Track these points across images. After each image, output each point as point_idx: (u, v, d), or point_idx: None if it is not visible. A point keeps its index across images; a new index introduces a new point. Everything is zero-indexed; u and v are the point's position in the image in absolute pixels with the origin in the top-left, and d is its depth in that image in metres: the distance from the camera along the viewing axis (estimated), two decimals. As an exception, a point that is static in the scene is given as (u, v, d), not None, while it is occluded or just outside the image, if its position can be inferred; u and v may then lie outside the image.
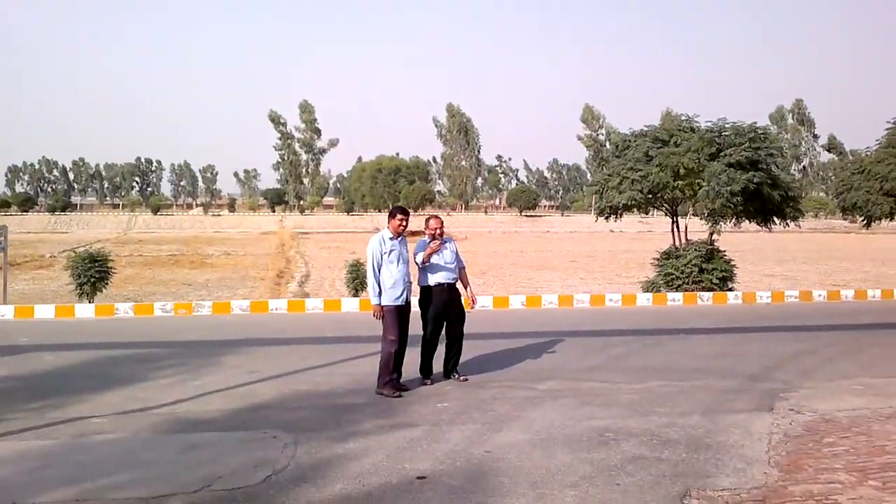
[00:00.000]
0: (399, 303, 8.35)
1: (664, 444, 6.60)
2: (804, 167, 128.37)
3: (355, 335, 12.39)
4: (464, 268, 9.16)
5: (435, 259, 8.72)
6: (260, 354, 10.98)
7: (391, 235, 8.42)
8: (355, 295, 16.42)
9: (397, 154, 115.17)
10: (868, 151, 22.05)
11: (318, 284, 29.54)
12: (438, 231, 8.81)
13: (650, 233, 60.08)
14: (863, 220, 21.45)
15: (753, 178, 16.43)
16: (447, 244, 8.93)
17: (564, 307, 15.99)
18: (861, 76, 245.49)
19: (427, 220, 9.05)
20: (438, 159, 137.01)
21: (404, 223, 8.44)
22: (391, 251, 8.35)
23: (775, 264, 28.92)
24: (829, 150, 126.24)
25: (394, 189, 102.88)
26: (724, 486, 5.61)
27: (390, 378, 8.27)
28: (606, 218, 18.66)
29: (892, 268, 26.16)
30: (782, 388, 8.70)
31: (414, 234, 8.81)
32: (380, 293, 8.29)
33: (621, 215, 18.40)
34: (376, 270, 8.31)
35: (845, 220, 79.14)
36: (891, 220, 21.30)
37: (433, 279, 8.73)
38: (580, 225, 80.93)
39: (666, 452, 6.36)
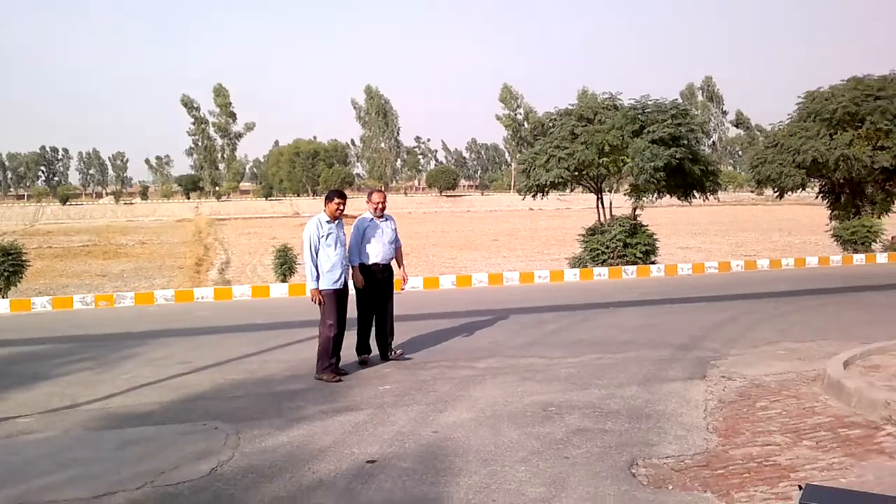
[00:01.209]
0: (337, 286, 8.25)
1: (606, 415, 6.71)
2: (713, 142, 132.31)
3: (287, 321, 12.22)
4: (400, 247, 9.12)
5: (376, 238, 8.66)
6: (189, 344, 10.70)
7: (328, 219, 8.29)
8: (284, 280, 16.15)
9: (315, 137, 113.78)
10: (780, 125, 22.85)
11: (240, 271, 28.96)
12: (381, 205, 8.74)
13: (568, 210, 61.06)
14: (775, 192, 22.26)
15: (676, 154, 16.83)
16: (388, 222, 8.87)
17: (494, 285, 16.10)
18: (763, 53, 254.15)
19: (370, 195, 8.98)
20: (357, 142, 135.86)
21: (342, 206, 8.32)
22: (329, 234, 8.22)
23: (689, 237, 29.79)
24: (736, 126, 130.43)
25: (312, 173, 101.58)
26: (669, 453, 5.74)
27: (330, 363, 8.17)
28: (534, 196, 18.83)
29: (797, 237, 27.28)
30: (712, 357, 8.96)
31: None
32: (317, 277, 8.16)
33: (547, 193, 18.61)
34: (314, 254, 8.17)
35: (752, 192, 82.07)
36: (802, 190, 22.15)
37: (373, 257, 8.66)
38: (500, 204, 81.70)
39: (609, 423, 6.47)
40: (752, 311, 12.35)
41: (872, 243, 21.16)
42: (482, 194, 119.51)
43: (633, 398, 7.25)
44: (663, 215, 50.28)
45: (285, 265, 16.32)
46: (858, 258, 19.59)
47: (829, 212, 22.95)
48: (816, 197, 24.08)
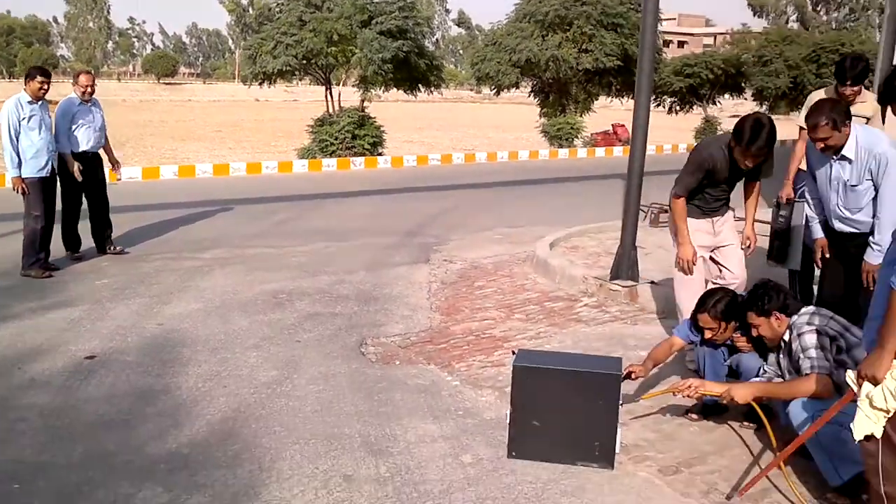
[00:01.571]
0: (44, 174, 7.46)
1: (336, 300, 6.87)
2: (437, 40, 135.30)
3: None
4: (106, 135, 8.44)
5: (86, 123, 7.92)
6: None
7: (30, 99, 7.38)
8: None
9: (9, 12, 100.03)
10: (499, 25, 23.86)
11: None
12: (90, 88, 7.95)
13: (296, 102, 59.77)
14: (493, 90, 23.42)
15: (403, 47, 17.00)
16: (96, 107, 8.14)
17: (220, 176, 15.54)
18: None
19: (77, 76, 8.13)
20: (61, 20, 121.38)
21: (45, 86, 7.42)
22: (31, 117, 7.34)
23: (415, 132, 30.62)
24: (458, 25, 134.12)
25: (7, 52, 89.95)
26: (396, 332, 6.04)
27: (38, 258, 7.47)
28: (260, 84, 18.18)
29: (512, 133, 29.11)
30: (435, 242, 9.44)
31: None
32: (19, 164, 7.32)
33: (274, 82, 18.05)
34: (13, 139, 7.28)
35: (472, 90, 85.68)
36: (517, 89, 23.51)
37: (83, 144, 7.93)
38: (223, 93, 77.85)
39: (339, 307, 6.63)
40: (472, 200, 13.11)
41: (575, 139, 23.16)
42: (204, 83, 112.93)
43: (362, 283, 7.47)
44: (390, 109, 50.99)
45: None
46: (563, 152, 21.40)
47: (539, 109, 24.64)
48: (529, 95, 25.69)
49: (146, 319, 6.20)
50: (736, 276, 5.14)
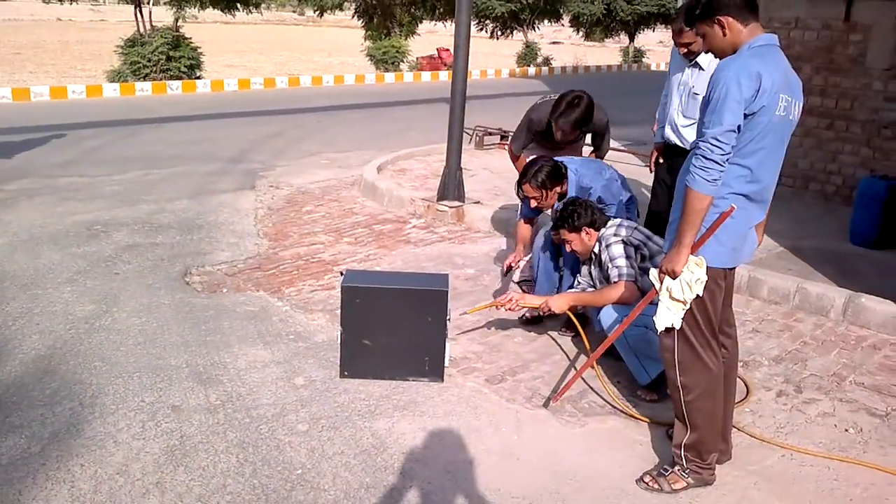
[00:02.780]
0: None
1: (157, 229, 6.58)
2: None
3: None
4: None
5: None
6: None
7: None
8: None
9: None
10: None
11: None
12: None
13: (104, 22, 55.27)
14: (315, 12, 22.71)
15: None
16: None
17: (21, 101, 14.22)
18: None
19: None
20: None
21: None
22: None
23: (234, 55, 29.27)
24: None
25: None
26: (222, 260, 5.88)
27: None
28: (61, 0, 16.65)
29: (337, 58, 28.49)
30: (260, 168, 9.20)
31: None
32: None
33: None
34: None
35: (294, 12, 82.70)
36: (341, 10, 22.92)
37: None
38: (21, 12, 70.89)
39: (160, 237, 6.36)
40: (298, 125, 12.80)
41: (400, 63, 23.02)
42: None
43: (185, 211, 7.19)
44: (208, 30, 48.41)
45: None
46: (389, 76, 21.24)
47: (364, 32, 24.20)
48: (353, 17, 25.13)
49: (-59, 258, 5.69)
50: None
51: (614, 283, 3.85)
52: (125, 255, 5.90)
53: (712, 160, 2.70)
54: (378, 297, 3.89)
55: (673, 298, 2.93)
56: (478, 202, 7.02)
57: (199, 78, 17.19)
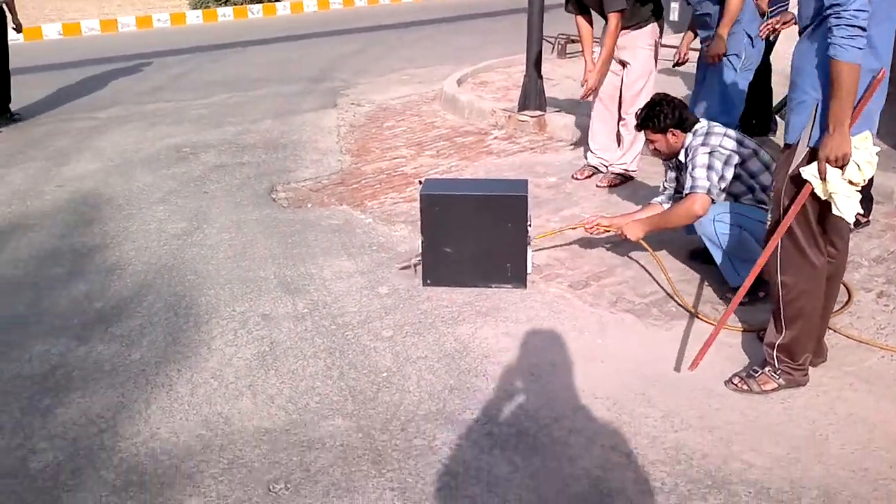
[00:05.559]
0: None
1: (242, 149, 6.69)
2: None
3: None
4: None
5: None
6: None
7: None
8: None
9: None
10: None
11: None
12: None
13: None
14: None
15: None
16: None
17: (108, 32, 14.56)
18: None
19: None
20: None
21: None
22: None
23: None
24: None
25: None
26: (306, 177, 5.95)
27: None
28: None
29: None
30: (341, 87, 9.19)
31: None
32: None
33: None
34: None
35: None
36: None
37: None
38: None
39: (246, 157, 6.47)
40: (378, 42, 12.69)
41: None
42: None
43: (269, 131, 7.28)
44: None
45: None
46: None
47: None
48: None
49: (44, 183, 5.95)
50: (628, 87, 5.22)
51: (685, 195, 3.70)
52: (213, 174, 6.04)
53: (858, 26, 2.48)
54: (457, 204, 3.87)
55: (852, 183, 2.72)
56: (559, 111, 6.84)
57: (279, 1, 17.16)
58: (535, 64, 6.70)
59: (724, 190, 3.69)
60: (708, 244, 3.67)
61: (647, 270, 4.11)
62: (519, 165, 5.94)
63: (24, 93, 8.76)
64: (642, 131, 3.93)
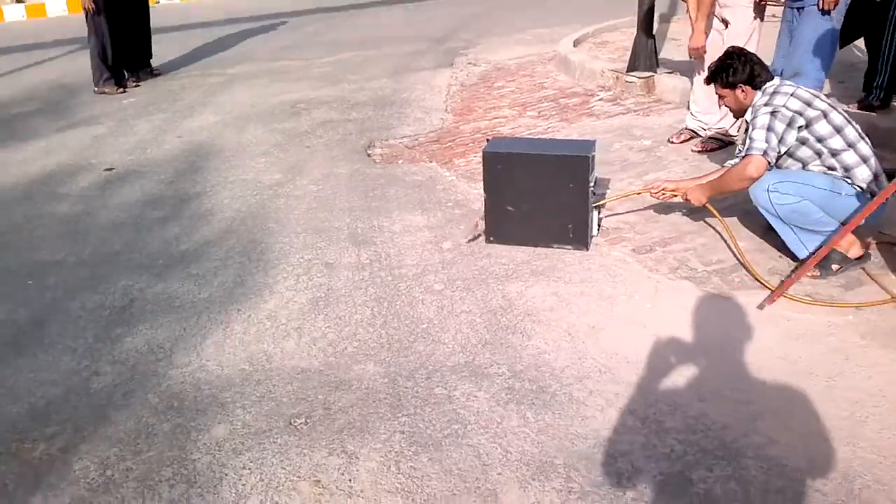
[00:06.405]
0: None
1: (353, 106, 6.90)
2: None
3: (25, 44, 11.09)
4: None
5: None
6: None
7: None
8: (19, 1, 14.45)
9: None
10: None
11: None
12: None
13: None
14: None
15: None
16: None
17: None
18: None
19: None
20: None
21: None
22: None
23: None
24: None
25: None
26: (405, 133, 6.08)
27: (110, 74, 7.70)
28: None
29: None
30: (463, 46, 9.24)
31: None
32: None
33: None
34: None
35: None
36: None
37: None
38: None
39: (354, 113, 6.68)
40: (509, 2, 12.59)
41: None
42: None
43: (382, 89, 7.45)
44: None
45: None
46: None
47: None
48: None
49: (166, 133, 6.39)
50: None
51: (740, 157, 3.52)
52: (319, 129, 6.28)
53: None
54: (518, 162, 3.87)
55: None
56: (672, 72, 6.60)
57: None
58: (645, 22, 6.48)
59: (786, 153, 3.48)
60: (766, 215, 3.49)
61: (722, 238, 3.96)
62: (616, 128, 5.81)
63: (169, 49, 9.39)
64: (712, 84, 3.77)
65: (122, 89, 7.75)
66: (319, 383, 2.97)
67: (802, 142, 3.44)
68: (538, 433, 2.64)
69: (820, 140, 3.42)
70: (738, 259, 3.71)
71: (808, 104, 3.46)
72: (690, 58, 5.27)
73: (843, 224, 3.36)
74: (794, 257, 3.61)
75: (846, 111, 3.67)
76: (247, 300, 3.62)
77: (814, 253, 3.48)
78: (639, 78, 6.54)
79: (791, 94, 3.48)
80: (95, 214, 4.80)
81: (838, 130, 3.41)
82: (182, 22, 11.84)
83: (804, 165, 3.48)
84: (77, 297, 3.76)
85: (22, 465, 2.63)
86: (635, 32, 6.67)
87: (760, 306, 3.28)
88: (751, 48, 4.77)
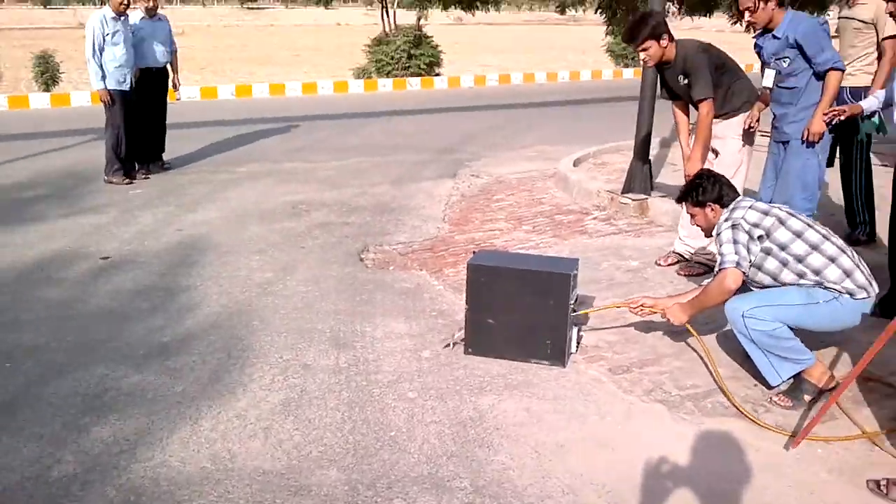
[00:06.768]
0: (125, 87, 7.85)
1: (352, 210, 7.05)
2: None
3: (45, 130, 11.45)
4: (176, 51, 8.68)
5: (147, 36, 8.17)
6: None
7: (113, 14, 7.70)
8: (46, 90, 14.98)
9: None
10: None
11: (12, 86, 26.40)
12: (152, 2, 8.18)
13: (376, 25, 59.49)
14: (557, 7, 22.81)
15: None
16: (160, 21, 8.36)
17: (276, 96, 15.79)
18: None
19: None
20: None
21: (126, 0, 7.72)
22: (115, 32, 7.69)
23: (491, 55, 30.17)
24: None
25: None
26: (401, 240, 6.19)
27: (120, 166, 7.94)
28: (325, 5, 18.27)
29: (591, 56, 28.37)
30: (469, 159, 9.48)
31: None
32: (103, 77, 7.70)
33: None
34: (97, 52, 7.65)
35: (557, 12, 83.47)
36: (581, 6, 22.77)
37: (144, 61, 8.18)
38: (306, 18, 78.06)
39: (352, 217, 6.82)
40: (521, 119, 13.00)
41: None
42: (286, 7, 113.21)
43: (383, 195, 7.63)
44: (464, 33, 50.36)
45: (46, 73, 15.08)
46: (628, 72, 20.82)
47: (606, 27, 23.83)
48: (595, 12, 24.82)
49: (167, 226, 6.52)
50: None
51: (715, 273, 3.58)
52: (316, 231, 6.40)
53: None
54: (501, 276, 3.93)
55: None
56: (666, 196, 6.74)
57: (437, 75, 17.96)
58: (641, 147, 6.68)
59: (755, 267, 3.53)
60: (741, 339, 3.52)
61: (702, 359, 3.97)
62: (606, 247, 5.90)
63: (184, 145, 9.67)
64: (682, 204, 3.88)
65: (129, 180, 7.96)
66: (279, 487, 2.94)
67: (767, 252, 3.49)
68: (492, 553, 2.59)
69: (783, 248, 3.47)
70: (716, 383, 3.71)
71: (766, 213, 3.55)
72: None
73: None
74: (767, 385, 3.62)
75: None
76: (219, 397, 3.62)
77: (787, 381, 3.50)
78: (633, 200, 6.69)
79: (749, 207, 3.59)
80: (85, 301, 4.86)
81: (798, 235, 3.47)
82: (200, 119, 12.22)
83: (774, 278, 3.51)
84: (52, 382, 3.77)
85: (-33, 553, 2.59)
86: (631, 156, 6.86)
87: (786, 447, 3.21)
88: (739, 178, 4.93)
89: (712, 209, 3.72)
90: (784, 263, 3.48)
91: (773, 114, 4.86)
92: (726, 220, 3.60)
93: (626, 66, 21.37)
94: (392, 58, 17.25)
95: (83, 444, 3.23)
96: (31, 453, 3.17)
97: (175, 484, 2.95)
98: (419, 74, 17.50)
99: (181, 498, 2.87)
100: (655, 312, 3.93)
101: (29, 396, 3.64)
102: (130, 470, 3.04)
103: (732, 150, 5.05)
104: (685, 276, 5.20)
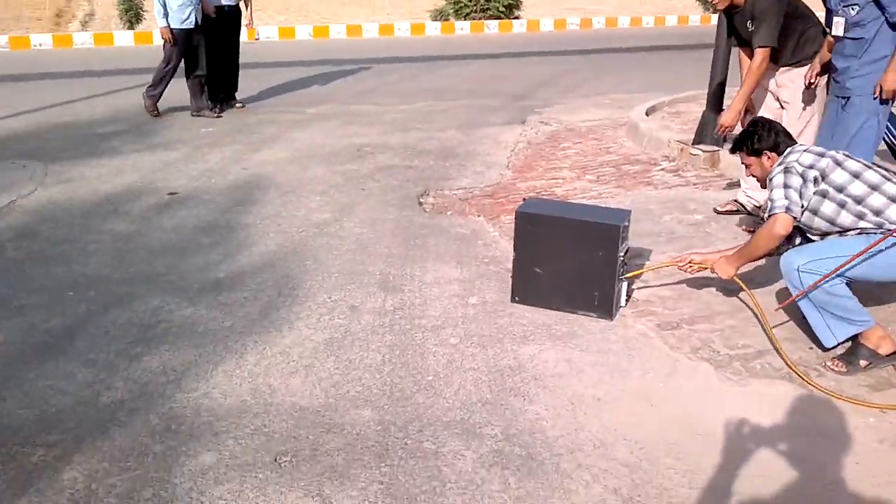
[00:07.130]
0: (188, 26, 7.95)
1: (417, 154, 7.03)
2: None
3: (126, 68, 11.74)
4: None
5: None
6: (15, 89, 10.28)
7: None
8: (130, 28, 15.33)
9: None
10: None
11: (103, 24, 27.08)
12: None
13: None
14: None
15: None
16: None
17: (353, 37, 15.78)
18: None
19: None
20: None
21: None
22: None
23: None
24: None
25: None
26: (462, 185, 6.15)
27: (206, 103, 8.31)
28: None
29: (679, 0, 27.35)
30: (539, 105, 9.31)
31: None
32: (166, 15, 7.83)
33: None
34: None
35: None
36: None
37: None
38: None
39: (416, 161, 6.80)
40: (597, 65, 12.67)
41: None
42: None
43: (449, 140, 7.57)
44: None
45: (130, 11, 15.41)
46: (716, 18, 19.95)
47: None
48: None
49: (234, 164, 6.64)
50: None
51: (767, 218, 3.41)
52: (378, 174, 6.41)
53: None
54: (550, 225, 3.87)
55: None
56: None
57: (516, 18, 17.60)
58: (715, 97, 6.43)
59: (811, 212, 3.35)
60: (798, 302, 3.38)
61: (757, 320, 3.84)
62: (670, 199, 5.74)
63: (257, 84, 9.77)
64: (737, 154, 3.72)
65: (218, 114, 8.34)
66: (313, 423, 3.00)
67: (823, 195, 3.31)
68: (516, 500, 2.60)
69: (840, 189, 3.28)
70: (770, 342, 3.59)
71: (821, 155, 3.38)
72: (715, 134, 5.30)
73: None
74: (822, 347, 3.48)
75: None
76: (266, 333, 3.70)
77: (843, 343, 3.36)
78: (703, 151, 6.46)
79: (803, 151, 3.42)
80: (149, 235, 5.01)
81: (856, 175, 3.28)
82: (275, 59, 12.32)
83: (832, 222, 3.33)
84: (111, 311, 3.92)
85: (17, 469, 2.73)
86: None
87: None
88: (810, 132, 4.72)
89: (769, 157, 3.55)
90: (842, 205, 3.28)
91: (834, 66, 4.47)
92: (779, 164, 3.43)
93: (715, 11, 20.44)
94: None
95: (133, 373, 3.35)
96: (84, 378, 3.31)
97: (215, 415, 3.04)
98: (497, 17, 17.19)
99: (219, 429, 2.96)
100: (705, 268, 3.81)
101: (88, 324, 3.79)
102: (174, 399, 3.15)
103: (804, 100, 4.81)
104: (750, 233, 5.01)
